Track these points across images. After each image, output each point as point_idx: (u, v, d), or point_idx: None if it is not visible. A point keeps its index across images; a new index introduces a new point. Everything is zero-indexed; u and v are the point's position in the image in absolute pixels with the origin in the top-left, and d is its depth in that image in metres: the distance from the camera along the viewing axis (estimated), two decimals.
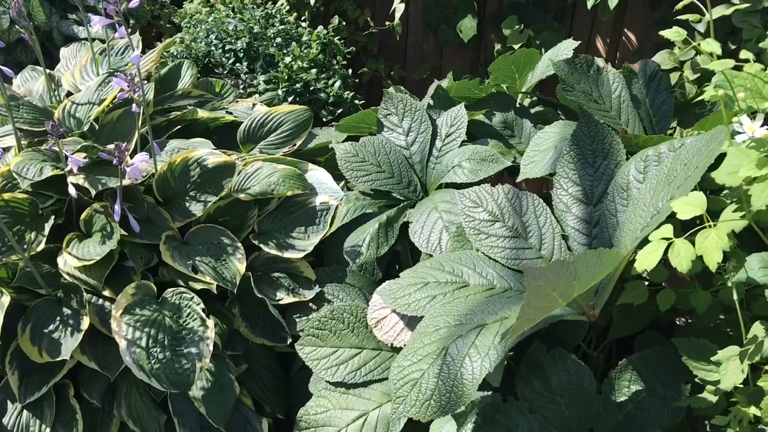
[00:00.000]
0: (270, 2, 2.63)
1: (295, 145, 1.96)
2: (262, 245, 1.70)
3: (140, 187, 1.72)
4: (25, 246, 1.53)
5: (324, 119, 2.33)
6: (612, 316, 1.47)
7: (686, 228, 1.07)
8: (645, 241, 1.10)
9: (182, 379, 1.45)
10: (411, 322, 1.40)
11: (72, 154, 1.58)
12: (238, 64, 2.36)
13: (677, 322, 1.73)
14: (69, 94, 1.93)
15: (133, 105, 1.63)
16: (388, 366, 1.46)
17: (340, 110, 2.35)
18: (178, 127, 1.91)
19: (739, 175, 0.95)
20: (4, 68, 1.70)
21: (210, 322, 1.50)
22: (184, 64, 2.12)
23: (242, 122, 1.95)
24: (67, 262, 1.55)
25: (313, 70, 2.32)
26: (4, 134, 1.76)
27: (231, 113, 2.01)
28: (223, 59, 2.38)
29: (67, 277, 1.55)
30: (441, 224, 1.56)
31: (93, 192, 1.57)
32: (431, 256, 1.54)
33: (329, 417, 1.43)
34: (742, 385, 1.07)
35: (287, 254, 1.69)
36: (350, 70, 2.53)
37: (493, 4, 2.75)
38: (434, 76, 3.00)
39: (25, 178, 1.55)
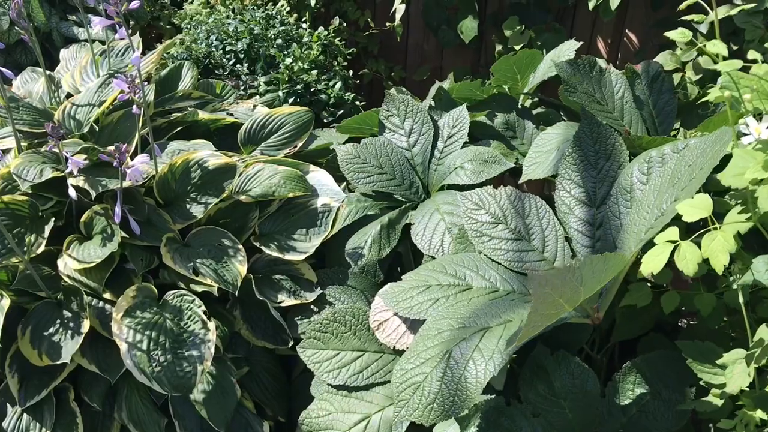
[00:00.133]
0: (270, 3, 2.63)
1: (296, 146, 1.95)
2: (263, 247, 1.69)
3: (141, 188, 1.71)
4: (25, 248, 1.52)
5: (325, 120, 2.32)
6: (615, 318, 1.46)
7: (689, 230, 1.07)
8: (649, 243, 1.09)
9: (183, 382, 1.44)
10: (413, 324, 1.40)
11: (72, 155, 1.57)
12: (238, 66, 2.36)
13: (679, 324, 1.72)
14: (69, 95, 1.93)
15: (134, 106, 1.63)
16: (390, 369, 1.45)
17: (341, 111, 2.34)
18: (179, 128, 1.90)
19: (745, 177, 0.94)
20: (3, 70, 1.69)
21: (211, 325, 1.49)
22: (184, 65, 2.11)
23: (243, 124, 1.94)
24: (68, 265, 1.54)
25: (314, 72, 2.31)
26: (4, 136, 1.75)
27: (232, 115, 2.00)
28: (224, 60, 2.37)
29: (67, 279, 1.54)
30: (443, 226, 1.55)
31: (93, 194, 1.57)
32: (433, 257, 1.53)
33: (331, 420, 1.42)
34: (748, 389, 1.07)
35: (288, 256, 1.68)
36: (351, 72, 2.52)
37: (494, 4, 2.74)
38: (435, 77, 2.99)
39: (25, 180, 1.55)
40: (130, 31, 1.62)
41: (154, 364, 1.44)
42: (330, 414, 1.43)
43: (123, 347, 1.44)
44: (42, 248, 1.54)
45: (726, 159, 1.04)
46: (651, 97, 1.63)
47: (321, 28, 2.49)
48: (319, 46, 2.40)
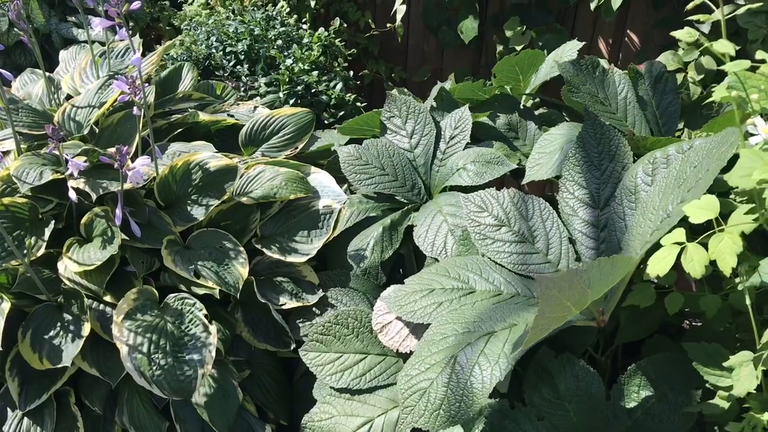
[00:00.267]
0: (270, 4, 2.62)
1: (297, 148, 1.95)
2: (264, 249, 1.68)
3: (141, 190, 1.70)
4: (25, 251, 1.51)
5: (326, 122, 2.31)
6: (620, 320, 1.45)
7: (693, 231, 1.06)
8: (654, 245, 1.08)
9: (184, 386, 1.43)
10: (416, 327, 1.39)
11: (72, 157, 1.56)
12: (238, 67, 2.35)
13: (683, 326, 1.71)
14: (68, 97, 1.92)
15: (134, 108, 1.62)
16: (393, 372, 1.44)
17: (342, 112, 2.34)
18: (179, 130, 1.89)
19: (753, 178, 0.94)
20: (3, 71, 1.68)
21: (212, 328, 1.48)
22: (184, 66, 2.10)
23: (244, 125, 1.93)
24: (68, 267, 1.53)
25: (315, 73, 2.30)
26: (3, 138, 1.74)
27: (232, 116, 1.99)
28: (224, 62, 2.36)
29: (67, 282, 1.53)
30: (446, 228, 1.54)
31: (94, 196, 1.56)
32: (436, 260, 1.52)
33: (334, 424, 1.41)
34: (755, 391, 1.06)
35: (290, 258, 1.67)
36: (351, 73, 2.51)
37: (495, 5, 2.74)
38: (435, 78, 2.99)
39: (25, 183, 1.54)
40: (130, 32, 1.61)
41: (154, 368, 1.43)
42: (333, 417, 1.42)
43: (123, 350, 1.43)
44: (42, 251, 1.53)
45: (732, 159, 1.04)
46: (654, 97, 1.62)
47: (321, 29, 2.48)
48: (319, 47, 2.39)
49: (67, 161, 1.53)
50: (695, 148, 1.13)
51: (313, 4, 2.75)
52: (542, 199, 1.41)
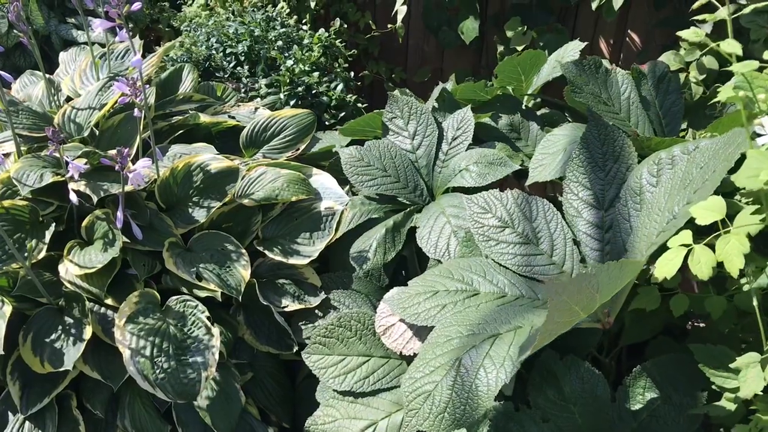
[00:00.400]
0: (270, 5, 2.61)
1: (298, 149, 1.94)
2: (266, 251, 1.68)
3: (142, 193, 1.69)
4: (26, 254, 1.50)
5: (326, 123, 2.30)
6: (624, 321, 1.44)
7: (697, 232, 1.05)
8: (660, 247, 1.07)
9: (188, 389, 1.42)
10: (420, 329, 1.38)
11: (73, 160, 1.56)
12: (239, 68, 2.34)
13: (687, 327, 1.70)
14: (68, 99, 1.91)
15: (135, 110, 1.61)
16: (397, 374, 1.43)
17: (343, 113, 2.33)
18: (180, 131, 1.89)
19: (760, 179, 0.93)
20: (2, 73, 1.67)
21: (215, 331, 1.48)
22: (184, 68, 2.09)
23: (245, 126, 1.92)
24: (69, 270, 1.52)
25: (315, 74, 2.30)
26: (4, 140, 1.73)
27: (233, 117, 1.98)
28: (224, 63, 2.36)
29: (68, 285, 1.52)
30: (449, 229, 1.53)
31: (95, 198, 1.55)
32: (439, 261, 1.51)
33: (338, 427, 1.40)
34: (762, 393, 1.05)
35: (292, 260, 1.66)
36: (351, 73, 2.51)
37: (495, 5, 2.73)
38: (435, 79, 2.98)
39: (26, 185, 1.53)
40: (130, 34, 1.61)
41: (157, 371, 1.42)
42: (336, 420, 1.41)
43: (126, 354, 1.42)
44: (43, 254, 1.52)
45: (738, 160, 1.03)
46: (657, 97, 1.61)
47: (322, 30, 2.47)
48: (320, 48, 2.38)
49: (67, 163, 1.53)
50: (701, 149, 1.12)
51: (313, 4, 2.74)
52: (546, 200, 1.41)
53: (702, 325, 1.61)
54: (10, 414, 1.50)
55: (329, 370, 1.46)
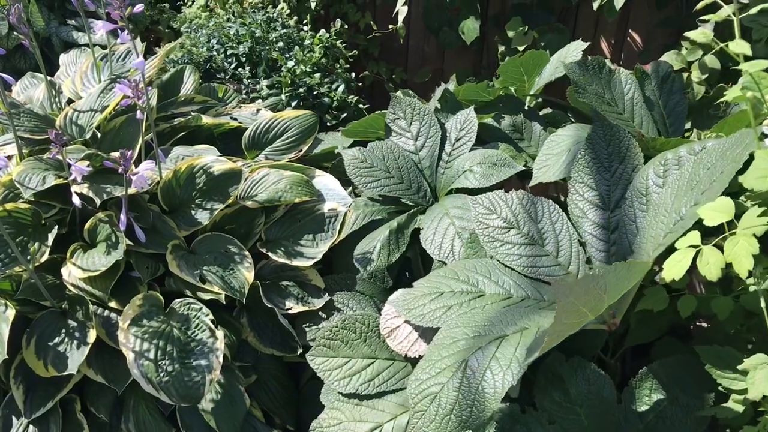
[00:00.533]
0: (270, 6, 2.60)
1: (301, 150, 1.93)
2: (269, 253, 1.67)
3: (145, 195, 1.69)
4: (29, 257, 1.50)
5: (328, 124, 2.30)
6: (629, 322, 1.44)
7: (703, 234, 1.05)
8: (667, 248, 1.07)
9: (192, 392, 1.42)
10: (425, 332, 1.38)
11: (75, 162, 1.55)
12: (240, 69, 2.33)
13: (691, 327, 1.70)
14: (70, 101, 1.90)
15: (137, 111, 1.60)
16: (402, 377, 1.43)
17: (344, 114, 2.32)
18: (182, 133, 1.88)
19: None
20: (4, 75, 1.66)
21: (219, 333, 1.47)
22: (186, 69, 2.09)
23: (247, 128, 1.92)
24: (72, 273, 1.51)
25: (317, 74, 2.29)
26: (5, 143, 1.73)
27: (235, 119, 1.98)
28: (225, 64, 2.35)
29: (72, 288, 1.51)
30: (453, 230, 1.53)
31: (97, 201, 1.54)
32: (444, 263, 1.51)
33: (342, 429, 1.40)
34: None
35: (296, 262, 1.66)
36: (353, 74, 2.50)
37: (496, 5, 2.72)
38: (436, 79, 2.97)
39: (28, 188, 1.52)
40: (132, 35, 1.60)
41: (161, 374, 1.42)
42: (341, 423, 1.40)
43: (130, 357, 1.42)
44: (46, 257, 1.51)
45: (745, 161, 1.03)
46: (661, 97, 1.61)
47: (322, 31, 2.47)
48: (321, 49, 2.38)
49: (70, 166, 1.52)
50: (708, 150, 1.12)
51: (313, 5, 2.74)
52: (551, 201, 1.40)
53: (705, 325, 1.61)
54: (14, 418, 1.49)
55: (334, 372, 1.46)
